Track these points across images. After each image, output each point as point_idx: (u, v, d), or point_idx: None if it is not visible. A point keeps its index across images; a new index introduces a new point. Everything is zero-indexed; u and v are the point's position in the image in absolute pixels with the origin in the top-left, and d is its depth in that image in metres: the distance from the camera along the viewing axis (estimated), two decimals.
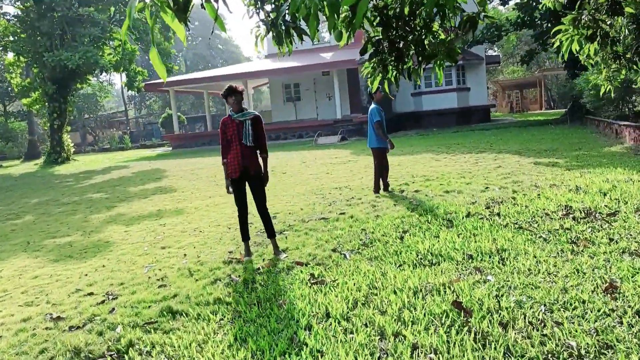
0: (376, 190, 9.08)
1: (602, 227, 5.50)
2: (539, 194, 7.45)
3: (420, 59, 5.09)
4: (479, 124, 26.02)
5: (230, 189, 5.81)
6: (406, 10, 4.09)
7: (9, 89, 36.45)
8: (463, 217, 6.55)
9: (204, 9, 2.46)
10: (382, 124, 8.98)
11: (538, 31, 21.67)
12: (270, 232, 5.90)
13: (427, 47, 5.08)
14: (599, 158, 10.59)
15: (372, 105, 9.10)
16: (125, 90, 29.86)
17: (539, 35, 21.78)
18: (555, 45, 6.88)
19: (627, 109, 14.76)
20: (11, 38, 23.54)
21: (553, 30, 6.83)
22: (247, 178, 5.79)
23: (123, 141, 39.01)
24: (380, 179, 9.20)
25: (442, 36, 5.29)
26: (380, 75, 5.16)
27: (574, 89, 17.59)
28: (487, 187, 8.46)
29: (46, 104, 24.06)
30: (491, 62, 32.12)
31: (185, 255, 6.22)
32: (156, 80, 30.36)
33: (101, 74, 26.05)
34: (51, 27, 21.69)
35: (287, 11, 3.55)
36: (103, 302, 4.82)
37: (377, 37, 5.09)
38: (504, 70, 55.84)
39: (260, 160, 5.87)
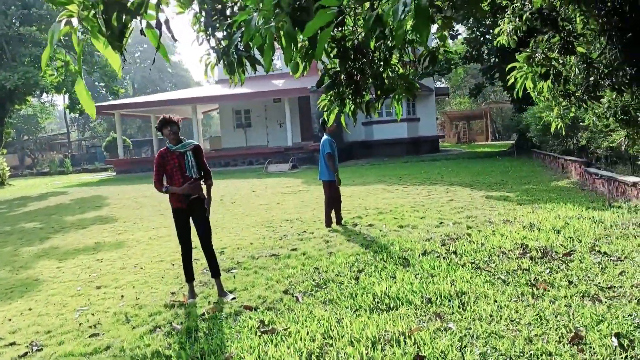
0: (328, 224, 8.80)
1: (559, 267, 5.38)
2: (493, 231, 7.35)
3: (379, 92, 4.88)
4: (429, 154, 26.34)
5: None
6: (372, 43, 3.85)
7: None
8: (419, 256, 6.33)
9: (144, 35, 2.13)
10: (333, 157, 8.75)
11: (486, 65, 22.26)
12: (215, 270, 5.50)
13: (385, 80, 4.88)
14: (548, 193, 10.70)
15: (325, 137, 8.87)
16: (67, 112, 28.68)
17: (486, 70, 22.36)
18: (510, 82, 6.85)
19: (572, 144, 15.18)
20: None
21: (508, 67, 6.81)
22: (191, 210, 5.39)
23: (64, 165, 37.42)
24: (333, 212, 8.93)
25: (401, 70, 5.12)
26: (337, 108, 4.93)
27: (521, 122, 18.02)
28: (441, 222, 8.32)
29: None
30: (440, 94, 32.82)
31: (122, 296, 5.71)
32: (99, 102, 29.38)
33: (42, 95, 24.79)
34: None
35: (240, 39, 3.24)
36: (26, 354, 4.28)
37: (334, 69, 4.86)
38: (452, 102, 57.32)
39: (204, 188, 5.50)
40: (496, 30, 7.21)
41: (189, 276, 5.52)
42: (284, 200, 12.73)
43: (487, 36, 22.60)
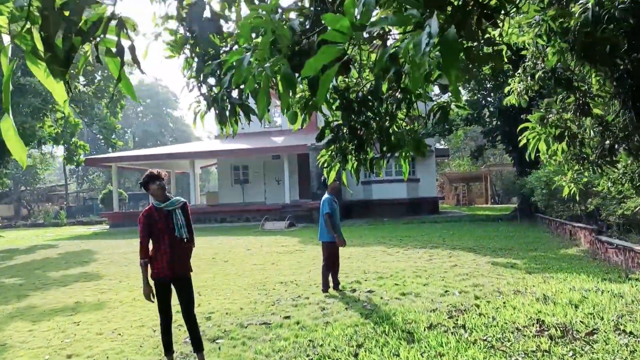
0: (325, 288, 8.22)
1: (583, 349, 4.80)
2: (504, 303, 6.78)
3: (384, 149, 4.46)
4: (429, 216, 25.86)
5: (154, 296, 4.84)
6: (384, 87, 3.46)
7: None
8: (425, 329, 5.75)
9: (100, 62, 1.71)
10: (332, 217, 8.27)
11: (487, 128, 22.14)
12: (198, 344, 4.92)
13: (392, 136, 4.48)
14: (557, 261, 10.15)
15: (326, 195, 8.42)
16: (65, 163, 28.42)
17: (488, 132, 22.22)
18: (521, 143, 6.48)
19: (579, 210, 14.73)
20: None
21: (520, 127, 6.46)
22: (175, 279, 4.87)
23: (58, 216, 36.83)
24: (330, 276, 8.37)
25: (408, 126, 4.72)
26: (339, 164, 4.50)
27: (525, 186, 17.66)
28: (446, 291, 7.75)
29: None
30: (440, 155, 32.70)
31: None
32: (98, 154, 29.16)
33: (39, 146, 24.53)
34: None
35: (230, 83, 2.82)
36: None
37: (336, 122, 4.47)
38: (451, 164, 57.38)
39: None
40: (506, 90, 6.90)
41: (168, 348, 4.95)
42: (279, 260, 12.15)
43: (489, 99, 22.63)
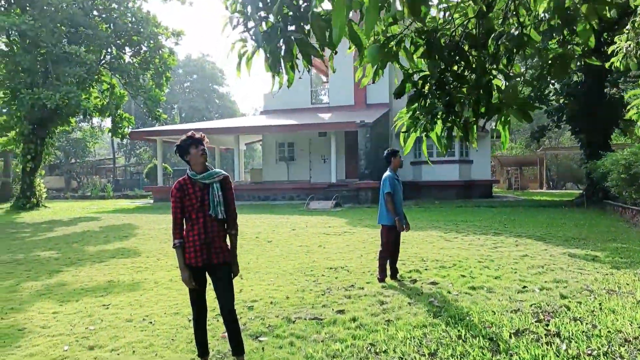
0: (382, 277, 7.27)
1: None
2: (600, 305, 5.68)
3: (482, 110, 3.42)
4: (482, 200, 24.47)
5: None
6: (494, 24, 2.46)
7: None
8: (510, 336, 4.73)
9: None
10: (393, 197, 7.28)
11: (552, 107, 20.53)
12: (237, 348, 4.06)
13: (492, 94, 3.43)
14: None
15: (387, 172, 7.42)
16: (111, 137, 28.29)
17: (552, 112, 20.61)
18: (630, 114, 5.28)
19: None
20: None
21: (630, 93, 5.26)
22: (210, 266, 4.00)
23: (105, 189, 37.08)
24: (388, 264, 7.42)
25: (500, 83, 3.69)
26: (422, 129, 3.50)
27: (596, 170, 16.14)
28: (524, 287, 6.67)
29: (21, 144, 22.23)
30: (497, 136, 30.94)
31: None
32: (143, 128, 28.89)
33: (84, 118, 24.33)
34: (34, 63, 20.22)
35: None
36: None
37: (419, 75, 3.45)
38: (501, 147, 55.13)
39: (228, 240, 4.10)
40: (610, 49, 5.70)
41: (203, 349, 4.13)
42: (327, 242, 11.26)
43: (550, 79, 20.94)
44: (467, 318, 5.32)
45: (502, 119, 3.62)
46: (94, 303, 6.48)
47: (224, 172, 4.06)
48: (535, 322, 5.17)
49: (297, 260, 9.09)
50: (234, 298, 4.06)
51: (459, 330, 4.90)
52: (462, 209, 19.17)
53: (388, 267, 7.42)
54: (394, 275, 7.39)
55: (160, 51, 23.85)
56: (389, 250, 7.36)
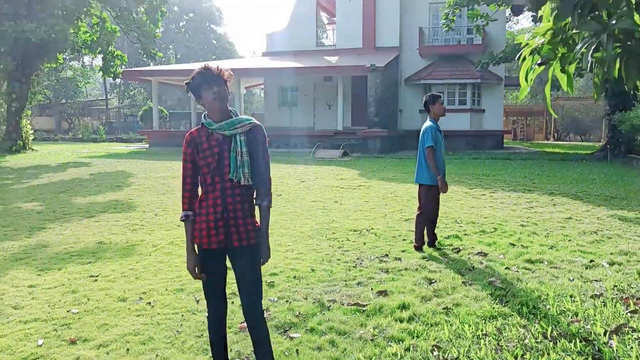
0: (419, 245, 6.22)
1: None
2: None
3: None
4: (495, 151, 23.34)
5: (198, 271, 2.89)
6: None
7: None
8: (608, 335, 3.70)
9: None
10: (436, 151, 6.14)
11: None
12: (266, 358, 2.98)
13: None
14: None
15: (428, 122, 6.25)
16: (102, 76, 26.70)
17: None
18: None
19: None
20: None
21: None
22: (230, 250, 2.88)
23: (97, 132, 35.68)
24: (425, 230, 6.35)
25: None
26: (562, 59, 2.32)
27: (624, 122, 14.98)
28: (591, 261, 5.63)
29: (5, 82, 20.67)
30: (510, 85, 29.51)
31: None
32: (137, 67, 27.30)
33: (72, 54, 22.66)
34: None
35: None
36: None
37: None
38: (507, 96, 53.62)
39: (258, 214, 2.96)
40: None
41: (218, 354, 3.05)
42: (343, 197, 10.19)
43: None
44: (542, 306, 4.29)
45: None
46: (79, 273, 5.41)
47: (252, 120, 2.88)
48: (630, 313, 4.14)
49: (314, 220, 8.02)
50: (262, 295, 2.94)
51: (541, 326, 3.86)
52: (479, 161, 18.06)
53: (425, 232, 6.36)
54: (432, 243, 6.34)
55: None
56: (429, 214, 6.27)
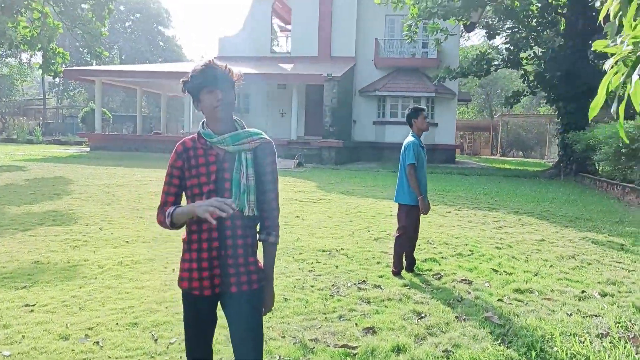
0: (398, 269, 5.74)
1: None
2: None
3: None
4: (447, 165, 23.41)
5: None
6: None
7: None
8: None
9: None
10: (417, 170, 5.70)
11: (526, 75, 19.46)
12: None
13: None
14: None
15: (410, 137, 5.83)
16: (41, 74, 25.13)
17: (529, 77, 19.51)
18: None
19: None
20: None
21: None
22: (225, 295, 2.27)
23: (33, 133, 33.67)
24: (404, 254, 5.87)
25: None
26: None
27: (579, 141, 15.16)
28: (582, 292, 5.29)
29: None
30: (462, 100, 29.86)
31: None
32: (79, 66, 25.90)
33: (10, 49, 21.17)
34: None
35: None
36: None
37: None
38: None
39: (263, 252, 2.37)
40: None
41: None
42: (304, 211, 9.64)
43: (531, 38, 19.75)
44: (549, 347, 3.86)
45: None
46: (12, 301, 4.59)
47: (262, 134, 2.31)
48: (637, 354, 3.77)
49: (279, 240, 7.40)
50: (262, 355, 2.34)
51: None
52: (435, 176, 17.92)
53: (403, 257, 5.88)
54: (410, 267, 5.87)
55: None
56: (409, 236, 5.80)
